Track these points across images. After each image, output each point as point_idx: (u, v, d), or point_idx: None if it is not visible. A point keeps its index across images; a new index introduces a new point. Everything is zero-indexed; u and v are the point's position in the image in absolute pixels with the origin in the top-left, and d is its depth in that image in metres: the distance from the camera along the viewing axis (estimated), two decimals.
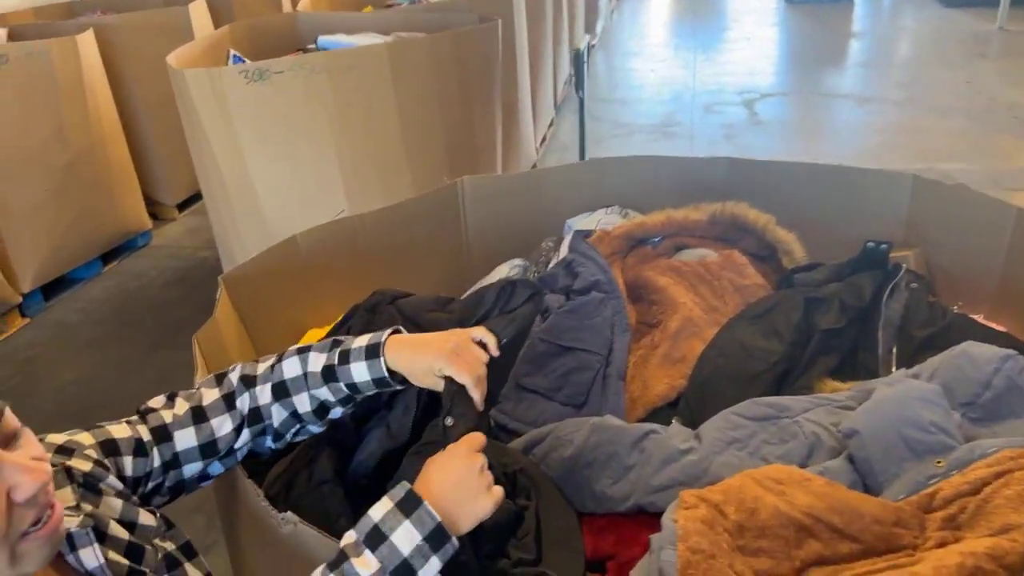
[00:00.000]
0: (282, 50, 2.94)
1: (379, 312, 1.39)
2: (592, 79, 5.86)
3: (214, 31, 2.90)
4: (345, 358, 0.97)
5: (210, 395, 0.97)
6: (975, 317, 1.51)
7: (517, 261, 1.81)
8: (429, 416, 1.20)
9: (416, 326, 1.35)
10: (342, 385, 0.97)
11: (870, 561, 0.94)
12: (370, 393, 1.00)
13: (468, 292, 1.57)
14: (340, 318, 1.46)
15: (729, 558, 0.92)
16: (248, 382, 0.99)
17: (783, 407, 1.22)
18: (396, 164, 2.36)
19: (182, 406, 0.95)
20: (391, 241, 1.77)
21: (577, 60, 2.80)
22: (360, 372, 0.97)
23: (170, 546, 0.85)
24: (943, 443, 1.05)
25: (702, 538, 0.91)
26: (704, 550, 0.90)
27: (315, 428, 1.04)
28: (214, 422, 0.96)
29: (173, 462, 0.93)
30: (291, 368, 0.99)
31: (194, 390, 0.99)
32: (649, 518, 1.13)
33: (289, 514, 0.89)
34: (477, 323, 1.24)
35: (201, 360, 1.17)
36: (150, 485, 0.91)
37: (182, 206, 3.92)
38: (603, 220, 1.81)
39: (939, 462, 1.03)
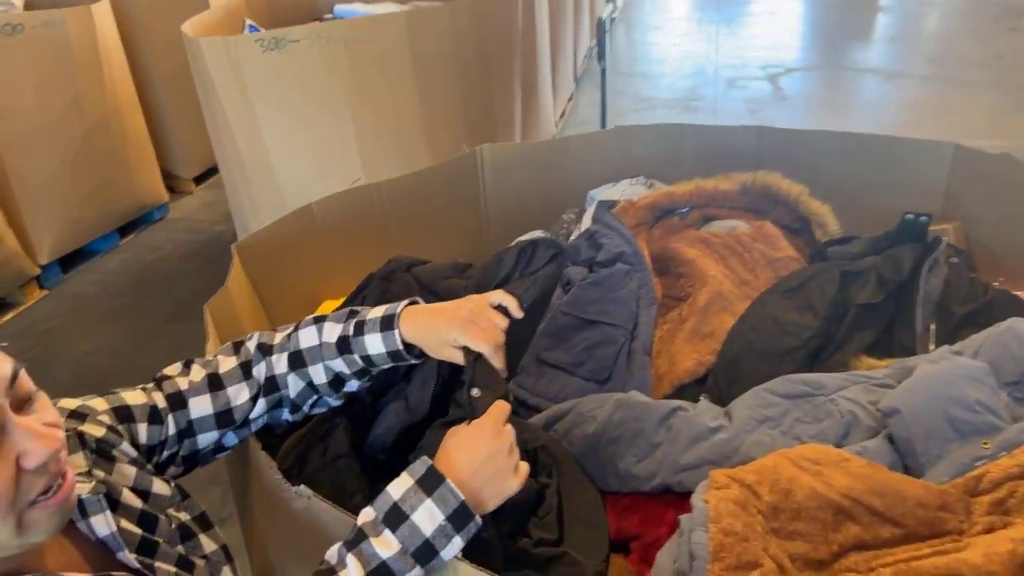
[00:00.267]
0: (299, 19, 2.90)
1: (395, 280, 1.34)
2: (613, 53, 5.76)
3: (230, 0, 2.84)
4: (360, 329, 0.93)
5: (227, 363, 0.94)
6: (1017, 294, 1.44)
7: (537, 233, 1.76)
8: (449, 389, 1.15)
9: (433, 294, 1.31)
10: (357, 357, 0.93)
11: (913, 546, 0.89)
12: (386, 366, 0.95)
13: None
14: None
15: (763, 541, 0.87)
16: (265, 350, 0.95)
17: (817, 384, 1.16)
18: (413, 136, 2.31)
19: (198, 373, 0.92)
20: (408, 210, 1.72)
21: (599, 28, 2.72)
22: (375, 344, 0.92)
23: (185, 516, 0.83)
24: (990, 423, 1.00)
25: (735, 520, 0.87)
26: (737, 532, 0.86)
27: (332, 400, 1.00)
28: (230, 390, 0.92)
29: (188, 430, 0.90)
30: (307, 338, 0.95)
31: (211, 357, 0.95)
32: (676, 498, 1.10)
33: (302, 487, 0.85)
34: (497, 287, 1.18)
35: (213, 330, 1.14)
36: (165, 454, 0.88)
37: (199, 180, 3.90)
38: (627, 191, 1.75)
39: (986, 443, 0.98)
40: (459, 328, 0.90)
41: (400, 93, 2.24)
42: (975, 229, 1.61)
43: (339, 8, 2.86)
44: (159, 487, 0.81)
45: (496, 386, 0.88)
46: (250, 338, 0.97)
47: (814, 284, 1.40)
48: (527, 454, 1.10)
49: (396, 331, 0.91)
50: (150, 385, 0.91)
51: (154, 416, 0.86)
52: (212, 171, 3.88)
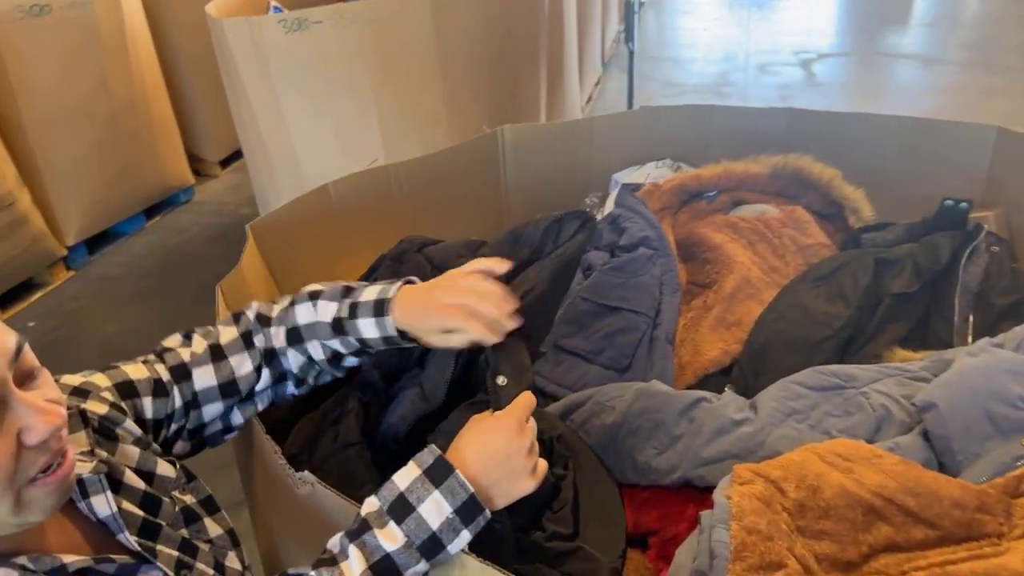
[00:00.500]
0: None
1: (407, 261, 1.30)
2: (642, 37, 5.66)
3: None
4: (354, 312, 0.89)
5: (228, 333, 0.91)
6: None
7: None
8: (467, 376, 1.11)
9: None
10: (352, 339, 0.90)
11: (948, 549, 0.84)
12: (383, 348, 0.92)
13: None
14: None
15: (788, 540, 0.83)
16: (263, 322, 0.93)
17: (849, 376, 1.11)
18: (436, 119, 2.28)
19: (200, 344, 0.90)
20: (426, 192, 1.69)
21: (628, 10, 2.66)
22: (368, 329, 0.88)
23: (190, 499, 0.81)
24: None
25: (759, 517, 0.82)
26: (761, 530, 0.81)
27: (337, 373, 0.97)
28: (233, 360, 0.90)
29: (193, 402, 0.88)
30: (304, 314, 0.92)
31: (211, 328, 0.93)
32: (697, 492, 1.06)
33: (306, 474, 0.82)
34: (530, 264, 1.12)
35: (225, 309, 1.12)
36: (172, 427, 0.86)
37: (224, 163, 3.91)
38: (653, 174, 1.70)
39: None
40: (456, 321, 0.85)
41: (424, 75, 2.21)
42: (1018, 217, 1.53)
43: None
44: (163, 468, 0.79)
45: (523, 375, 0.84)
46: (249, 307, 0.94)
47: (846, 272, 1.34)
48: (543, 444, 1.06)
49: (388, 317, 0.87)
50: (151, 357, 0.88)
51: (159, 389, 0.84)
52: (237, 154, 3.88)
